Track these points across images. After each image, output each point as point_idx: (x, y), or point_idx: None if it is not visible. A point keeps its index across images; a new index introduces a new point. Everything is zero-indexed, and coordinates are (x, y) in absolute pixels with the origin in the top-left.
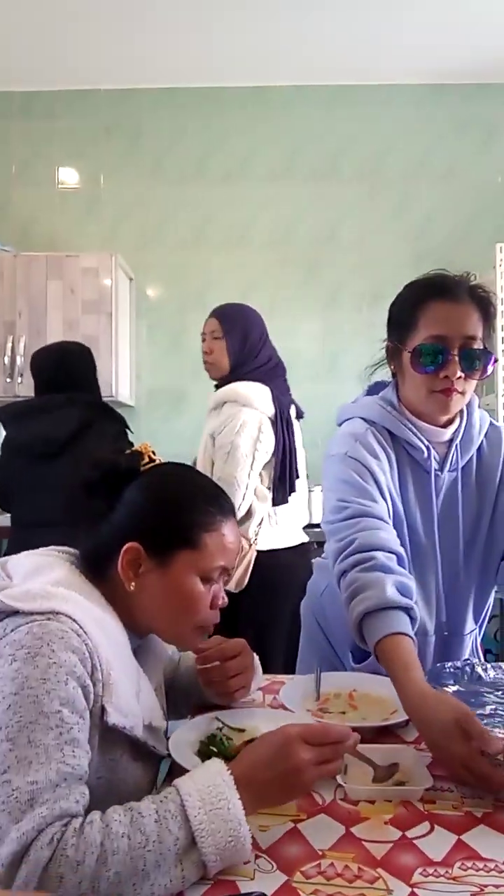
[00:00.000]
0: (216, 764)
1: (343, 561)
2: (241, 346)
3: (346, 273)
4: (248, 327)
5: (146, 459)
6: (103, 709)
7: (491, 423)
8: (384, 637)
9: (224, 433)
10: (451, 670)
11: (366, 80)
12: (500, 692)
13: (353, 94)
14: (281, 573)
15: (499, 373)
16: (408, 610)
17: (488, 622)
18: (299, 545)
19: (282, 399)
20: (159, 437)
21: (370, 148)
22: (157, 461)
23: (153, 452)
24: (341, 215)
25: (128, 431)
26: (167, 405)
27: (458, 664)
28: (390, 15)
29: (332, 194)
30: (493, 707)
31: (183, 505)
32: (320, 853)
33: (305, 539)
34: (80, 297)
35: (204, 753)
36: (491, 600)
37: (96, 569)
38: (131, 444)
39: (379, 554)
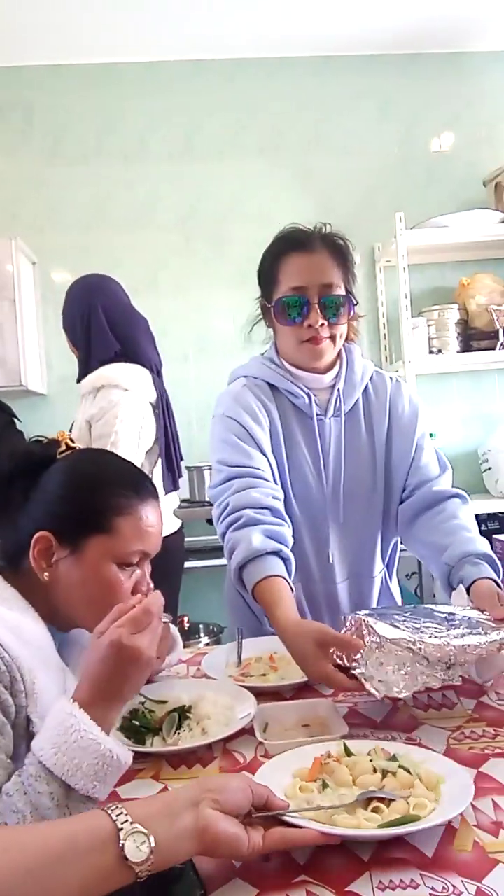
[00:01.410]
0: (58, 702)
1: (220, 524)
2: (83, 332)
3: (254, 249)
4: (76, 308)
5: (63, 447)
6: (28, 719)
7: (376, 371)
8: (256, 584)
9: (104, 421)
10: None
11: (262, 53)
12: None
13: (250, 67)
14: (168, 560)
15: (404, 339)
16: (276, 552)
17: (408, 578)
18: (178, 530)
19: (159, 381)
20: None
21: (269, 122)
22: (75, 448)
23: (70, 440)
24: (244, 190)
25: (15, 421)
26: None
27: (371, 610)
28: None
29: (234, 170)
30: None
31: (93, 488)
32: None
33: (179, 524)
34: None
35: (127, 729)
36: (397, 541)
37: (14, 563)
38: (21, 434)
39: (248, 511)
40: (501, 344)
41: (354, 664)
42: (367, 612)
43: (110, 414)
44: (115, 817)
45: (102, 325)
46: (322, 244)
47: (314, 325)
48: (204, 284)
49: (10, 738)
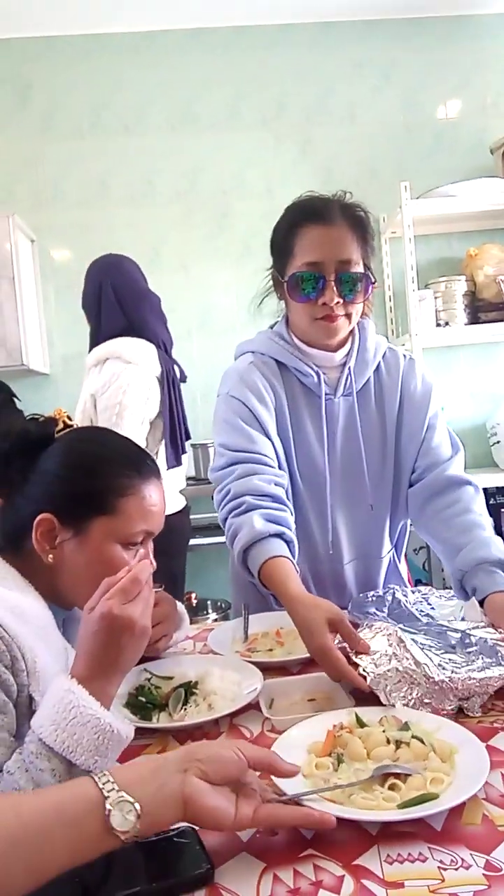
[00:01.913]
0: (56, 679)
1: (221, 510)
2: (94, 308)
3: (257, 221)
4: (91, 285)
5: (61, 426)
6: (31, 697)
7: (389, 348)
8: (262, 566)
9: (109, 393)
10: (373, 598)
11: (261, 21)
12: (424, 622)
13: (250, 35)
14: (172, 539)
15: (411, 312)
16: (279, 535)
17: (416, 552)
18: (183, 508)
19: (166, 357)
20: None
21: (270, 92)
22: (73, 426)
23: (68, 417)
24: (246, 163)
25: (14, 400)
26: (84, 371)
27: (380, 592)
28: None
29: (235, 141)
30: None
31: (95, 469)
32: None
33: (184, 503)
34: None
35: (133, 705)
36: (406, 521)
37: (14, 544)
38: (20, 413)
39: (248, 497)
40: None
41: (360, 660)
42: (399, 624)
43: (115, 386)
44: (101, 785)
45: (112, 302)
46: (342, 216)
47: (329, 302)
48: (205, 259)
49: (13, 716)
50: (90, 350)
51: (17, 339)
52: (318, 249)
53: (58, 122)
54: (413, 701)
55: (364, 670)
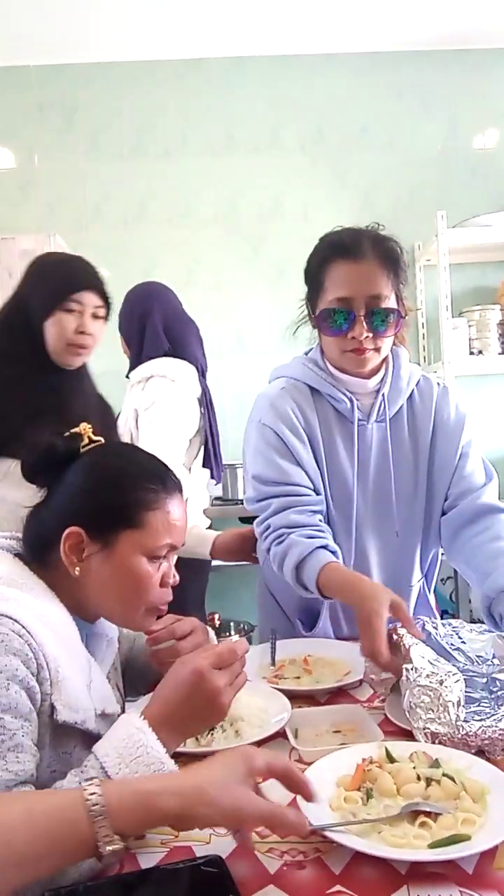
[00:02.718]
0: (127, 715)
1: (264, 541)
2: (138, 332)
3: (293, 246)
4: (135, 310)
5: (86, 441)
6: (52, 707)
7: (423, 376)
8: (317, 577)
9: (153, 409)
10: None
11: (303, 50)
12: (456, 658)
13: (291, 64)
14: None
15: (444, 340)
16: (324, 547)
17: (443, 582)
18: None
19: (202, 380)
20: None
21: (310, 119)
22: (98, 442)
23: (93, 433)
24: (284, 188)
25: None
26: (111, 387)
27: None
28: None
29: (274, 167)
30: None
31: (123, 484)
32: None
33: (208, 522)
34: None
35: None
36: (438, 550)
37: (40, 556)
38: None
39: (285, 530)
40: None
41: (407, 666)
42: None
43: (158, 402)
44: (97, 831)
45: (156, 327)
46: (372, 251)
47: (358, 337)
48: (241, 281)
49: (36, 724)
50: (130, 370)
51: None
52: (347, 285)
53: (101, 145)
54: (430, 735)
55: (410, 668)
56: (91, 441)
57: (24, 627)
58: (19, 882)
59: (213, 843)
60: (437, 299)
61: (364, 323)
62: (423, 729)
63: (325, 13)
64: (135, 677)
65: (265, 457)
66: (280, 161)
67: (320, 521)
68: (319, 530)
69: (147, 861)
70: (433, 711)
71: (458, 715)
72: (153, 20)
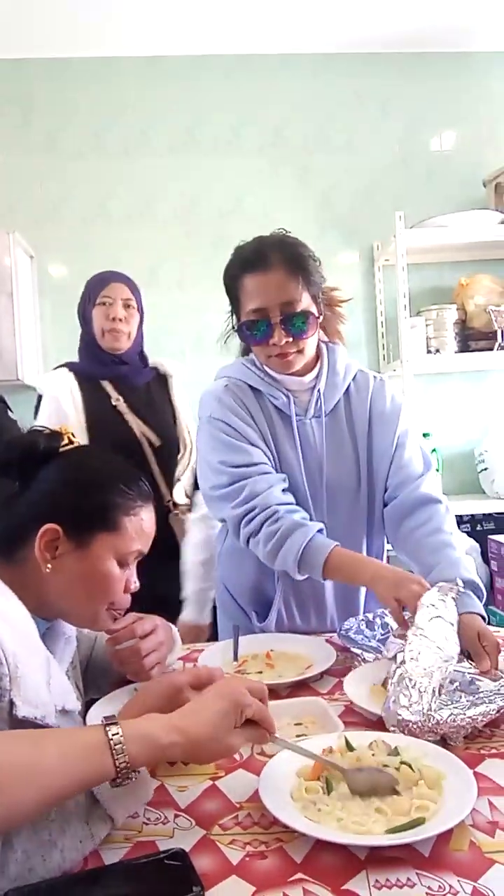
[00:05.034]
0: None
1: (249, 524)
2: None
3: None
4: None
5: (65, 441)
6: (12, 702)
7: (360, 370)
8: (325, 561)
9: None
10: (361, 623)
11: (264, 50)
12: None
13: (252, 64)
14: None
15: (402, 338)
16: (321, 530)
17: None
18: None
19: None
20: None
21: (270, 119)
22: (76, 444)
23: (72, 435)
24: (245, 187)
25: (9, 410)
26: None
27: (369, 616)
28: None
29: (235, 166)
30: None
31: (103, 486)
32: (238, 805)
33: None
34: None
35: None
36: (383, 541)
37: (6, 551)
38: (14, 422)
39: (276, 506)
40: (499, 345)
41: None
42: None
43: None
44: (118, 764)
45: None
46: (277, 260)
47: (278, 343)
48: (203, 281)
49: None
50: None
51: (14, 353)
52: (259, 297)
53: (60, 143)
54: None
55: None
56: (70, 442)
57: None
58: (41, 801)
59: (177, 836)
60: (396, 299)
61: (281, 329)
62: (396, 709)
63: (285, 14)
64: (96, 676)
65: (226, 443)
66: (240, 161)
67: (293, 499)
68: (301, 509)
69: (110, 857)
70: (408, 697)
71: (430, 704)
72: (111, 17)
